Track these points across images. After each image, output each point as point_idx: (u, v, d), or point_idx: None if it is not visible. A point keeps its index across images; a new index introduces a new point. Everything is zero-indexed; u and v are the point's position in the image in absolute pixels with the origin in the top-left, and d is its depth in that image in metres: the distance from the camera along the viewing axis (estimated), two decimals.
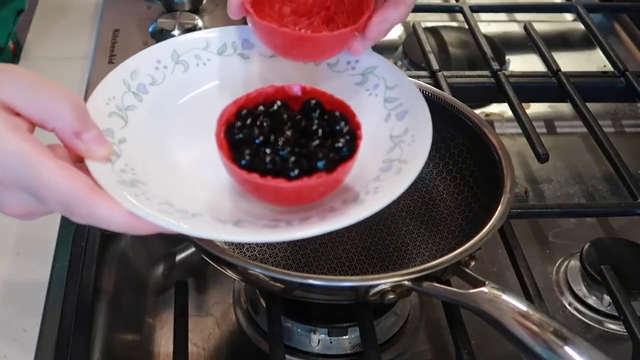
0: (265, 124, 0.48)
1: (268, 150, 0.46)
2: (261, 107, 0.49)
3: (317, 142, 0.47)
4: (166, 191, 0.47)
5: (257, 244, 0.59)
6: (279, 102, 0.49)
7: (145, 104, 0.53)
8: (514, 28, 1.00)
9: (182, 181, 0.50)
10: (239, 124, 0.48)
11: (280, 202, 0.48)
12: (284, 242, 0.60)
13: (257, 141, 0.47)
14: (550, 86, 0.82)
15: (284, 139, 0.47)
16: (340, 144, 0.47)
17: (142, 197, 0.45)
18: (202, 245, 0.52)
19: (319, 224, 0.45)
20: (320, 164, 0.46)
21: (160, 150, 0.52)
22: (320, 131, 0.48)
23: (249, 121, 0.48)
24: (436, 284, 0.51)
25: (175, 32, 0.83)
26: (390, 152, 0.51)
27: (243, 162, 0.46)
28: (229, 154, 0.46)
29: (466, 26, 0.90)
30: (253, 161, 0.46)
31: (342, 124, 0.48)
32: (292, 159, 0.46)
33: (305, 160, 0.46)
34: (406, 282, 0.51)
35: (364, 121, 0.48)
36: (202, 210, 0.47)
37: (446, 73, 0.80)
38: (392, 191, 0.47)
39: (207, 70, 0.56)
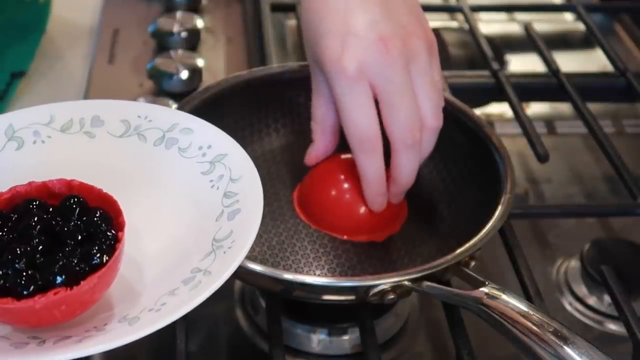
0: (3, 231, 0.42)
1: None
2: (14, 209, 0.43)
3: (65, 250, 0.41)
4: None
5: (256, 244, 0.59)
6: (35, 202, 0.43)
7: None
8: (514, 28, 0.99)
9: None
10: None
11: (19, 323, 0.41)
12: (284, 243, 0.60)
13: None
14: (550, 86, 0.82)
15: (22, 249, 0.41)
16: (94, 251, 0.41)
17: None
18: None
19: (73, 347, 0.39)
20: (58, 279, 0.40)
21: None
22: (72, 236, 0.42)
23: None
24: (436, 284, 0.51)
25: (175, 31, 0.83)
26: (204, 260, 0.44)
27: None
28: None
29: (466, 26, 0.90)
30: None
31: (103, 226, 0.42)
32: (26, 273, 0.40)
33: (41, 273, 0.40)
34: (406, 282, 0.51)
35: (194, 219, 0.46)
36: None
37: (446, 73, 0.79)
38: (172, 311, 0.40)
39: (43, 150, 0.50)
